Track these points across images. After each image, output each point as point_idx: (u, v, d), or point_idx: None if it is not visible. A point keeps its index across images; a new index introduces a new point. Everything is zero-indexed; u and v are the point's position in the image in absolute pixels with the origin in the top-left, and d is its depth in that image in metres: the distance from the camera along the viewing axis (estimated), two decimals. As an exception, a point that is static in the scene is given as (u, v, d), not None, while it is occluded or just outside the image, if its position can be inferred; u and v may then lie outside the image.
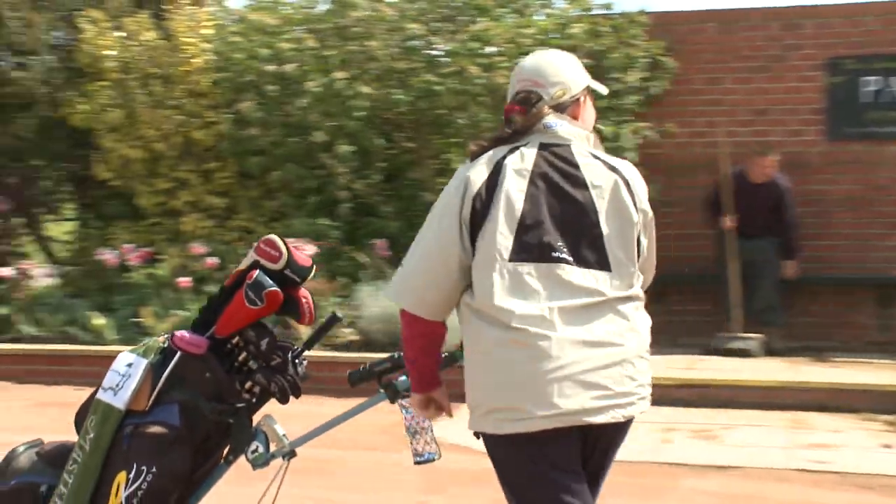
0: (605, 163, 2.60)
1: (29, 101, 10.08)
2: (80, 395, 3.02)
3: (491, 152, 2.60)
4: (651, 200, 2.64)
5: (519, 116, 2.61)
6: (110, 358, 2.97)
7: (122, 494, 2.84)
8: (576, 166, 2.57)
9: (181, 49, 9.17)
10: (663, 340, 6.83)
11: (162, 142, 9.21)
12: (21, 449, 3.16)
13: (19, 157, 10.47)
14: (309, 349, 3.11)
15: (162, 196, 9.34)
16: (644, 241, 2.62)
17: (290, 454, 2.99)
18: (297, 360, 3.04)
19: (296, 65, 8.79)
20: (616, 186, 2.57)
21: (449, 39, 8.87)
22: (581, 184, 2.55)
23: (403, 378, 2.89)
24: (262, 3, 9.63)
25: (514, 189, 2.51)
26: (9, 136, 10.27)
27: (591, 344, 2.43)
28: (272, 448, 2.97)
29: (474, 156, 2.62)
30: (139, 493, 2.83)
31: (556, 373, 2.40)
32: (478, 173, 2.55)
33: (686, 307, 8.75)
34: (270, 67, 8.80)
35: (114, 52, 9.22)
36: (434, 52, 8.84)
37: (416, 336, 2.61)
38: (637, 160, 7.67)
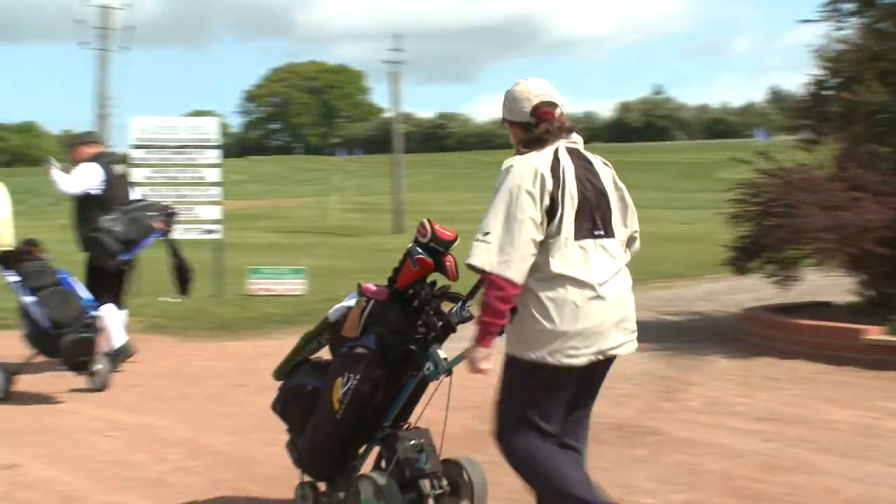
0: (600, 161, 3.73)
1: None
2: None
3: (539, 151, 3.62)
4: None
5: (553, 123, 3.67)
6: None
7: (340, 392, 4.28)
8: (591, 163, 3.69)
9: None
10: None
11: None
12: (307, 363, 4.72)
13: None
14: (469, 300, 4.17)
15: None
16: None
17: (449, 371, 4.13)
18: (463, 306, 4.19)
19: None
20: (612, 177, 3.73)
21: None
22: (597, 176, 3.66)
23: None
24: None
25: (571, 184, 3.55)
26: None
27: (622, 297, 3.62)
28: (440, 367, 4.12)
29: (525, 150, 3.68)
30: (349, 392, 4.24)
31: (608, 322, 3.56)
32: (545, 169, 3.55)
33: None
34: None
35: None
36: None
37: (509, 300, 3.53)
38: None
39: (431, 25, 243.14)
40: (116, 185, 8.77)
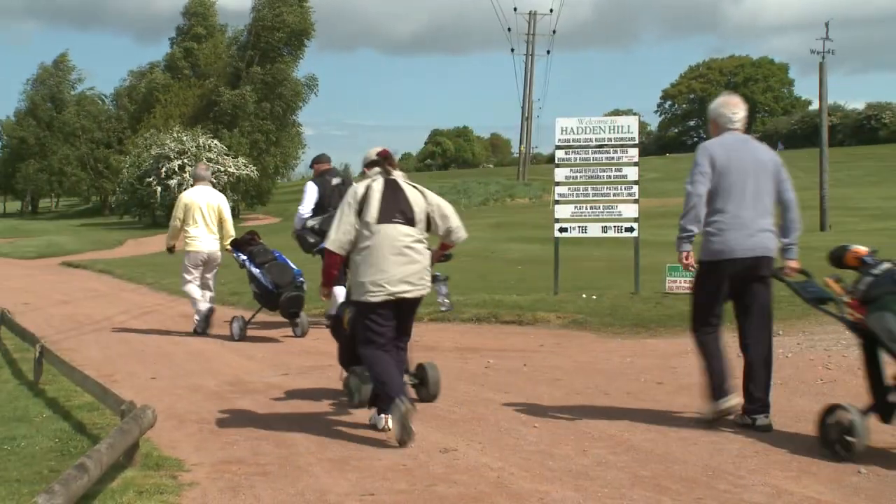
0: (413, 186, 6.69)
1: None
2: None
3: (366, 181, 6.64)
4: None
5: (388, 165, 6.75)
6: None
7: (347, 318, 7.08)
8: (401, 187, 6.64)
9: None
10: None
11: None
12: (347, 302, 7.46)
13: None
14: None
15: None
16: (435, 216, 6.69)
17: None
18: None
19: None
20: (417, 195, 6.65)
21: None
22: (403, 193, 6.61)
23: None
24: None
25: (376, 198, 6.51)
26: None
27: (408, 261, 6.46)
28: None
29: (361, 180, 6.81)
30: (351, 318, 6.92)
31: (396, 276, 6.41)
32: (360, 190, 6.57)
33: None
34: None
35: None
36: None
37: (336, 263, 6.67)
38: None
39: (868, 11, 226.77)
40: (330, 194, 11.61)
